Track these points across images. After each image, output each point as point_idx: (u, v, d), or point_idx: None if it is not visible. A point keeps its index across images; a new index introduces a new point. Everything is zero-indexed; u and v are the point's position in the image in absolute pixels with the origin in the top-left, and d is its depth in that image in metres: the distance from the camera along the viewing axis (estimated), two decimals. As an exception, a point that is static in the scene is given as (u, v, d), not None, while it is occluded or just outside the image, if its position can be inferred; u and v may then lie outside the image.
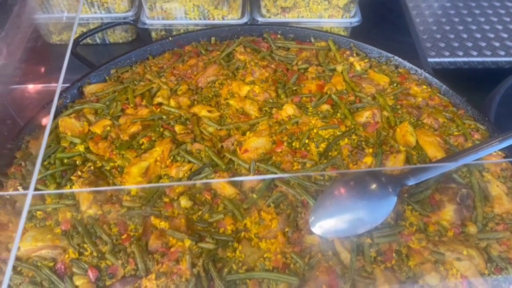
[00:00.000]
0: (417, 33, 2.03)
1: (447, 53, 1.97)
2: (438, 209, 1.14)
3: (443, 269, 1.04)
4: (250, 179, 1.16)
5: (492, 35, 2.07)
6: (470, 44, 2.03)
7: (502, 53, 1.94)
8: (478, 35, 2.07)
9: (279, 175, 1.17)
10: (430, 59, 1.92)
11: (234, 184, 1.18)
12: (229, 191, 1.17)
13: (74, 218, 1.11)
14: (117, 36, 1.80)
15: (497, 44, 2.01)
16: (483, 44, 2.02)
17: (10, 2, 1.62)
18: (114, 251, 1.05)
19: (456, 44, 2.03)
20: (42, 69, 1.65)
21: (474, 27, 2.13)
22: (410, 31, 1.93)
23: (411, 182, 1.12)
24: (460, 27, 2.13)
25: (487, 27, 2.12)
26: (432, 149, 1.26)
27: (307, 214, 1.12)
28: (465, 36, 2.07)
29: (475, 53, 1.98)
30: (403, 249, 1.07)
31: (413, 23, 2.10)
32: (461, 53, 1.98)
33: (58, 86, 1.03)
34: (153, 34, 1.75)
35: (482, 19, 2.21)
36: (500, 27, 2.09)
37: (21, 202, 1.15)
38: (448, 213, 1.13)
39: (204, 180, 1.15)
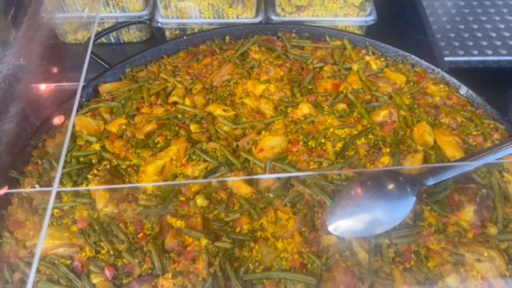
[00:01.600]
0: (433, 31, 2.01)
1: (461, 52, 1.94)
2: (457, 209, 1.13)
3: (463, 271, 1.03)
4: (266, 178, 1.15)
5: (507, 34, 2.03)
6: (485, 43, 1.99)
7: (518, 52, 1.91)
8: (493, 34, 2.04)
9: (296, 173, 1.16)
10: (444, 58, 1.90)
11: (250, 183, 1.18)
12: (245, 190, 1.16)
13: (91, 217, 1.12)
14: (132, 35, 1.81)
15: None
16: (498, 43, 1.99)
17: (26, 2, 1.63)
18: (130, 250, 1.05)
19: (470, 43, 1.99)
20: (57, 68, 1.66)
21: (489, 26, 2.10)
22: (426, 30, 1.90)
23: (430, 182, 1.11)
24: (475, 26, 2.10)
25: (502, 26, 2.09)
26: (451, 149, 1.24)
27: (324, 214, 1.11)
28: (479, 35, 2.04)
29: (490, 52, 1.94)
30: (422, 250, 1.06)
31: (429, 22, 2.07)
32: (476, 52, 1.94)
33: (80, 85, 1.04)
34: (168, 33, 1.76)
35: (497, 18, 2.18)
36: (515, 25, 2.05)
37: (37, 200, 1.16)
38: (468, 213, 1.11)
39: (220, 178, 1.15)
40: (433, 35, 1.98)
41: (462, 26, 2.10)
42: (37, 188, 1.16)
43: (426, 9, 2.20)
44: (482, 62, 1.93)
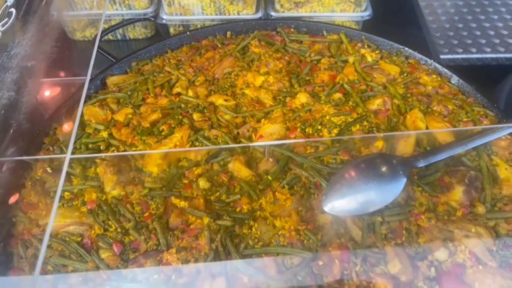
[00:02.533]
0: (427, 26, 2.06)
1: (460, 50, 1.99)
2: (447, 190, 1.18)
3: (451, 246, 1.08)
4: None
5: (505, 32, 2.07)
6: (483, 41, 2.04)
7: (515, 49, 1.96)
8: (492, 33, 2.08)
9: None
10: (443, 56, 1.94)
11: (249, 166, 1.24)
12: (245, 173, 1.22)
13: (99, 199, 1.18)
14: (137, 32, 1.88)
15: (510, 40, 2.02)
16: (497, 41, 2.04)
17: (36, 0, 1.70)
18: (137, 228, 1.11)
19: (469, 41, 2.04)
20: (66, 64, 1.73)
21: (487, 25, 2.15)
22: (421, 25, 1.96)
23: (421, 164, 1.17)
24: (473, 25, 2.14)
25: (500, 25, 2.13)
26: (442, 134, 1.29)
27: (320, 195, 1.17)
28: (478, 33, 2.08)
29: (488, 49, 1.99)
30: (412, 227, 1.11)
31: (423, 17, 2.13)
32: (474, 50, 1.99)
33: (88, 75, 1.12)
34: (171, 30, 1.83)
35: (495, 17, 2.23)
36: (513, 24, 2.10)
37: (49, 183, 1.22)
38: (457, 194, 1.17)
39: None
40: (428, 30, 2.03)
41: (460, 25, 2.15)
42: (49, 171, 1.22)
43: (425, 9, 2.26)
44: (480, 60, 1.97)
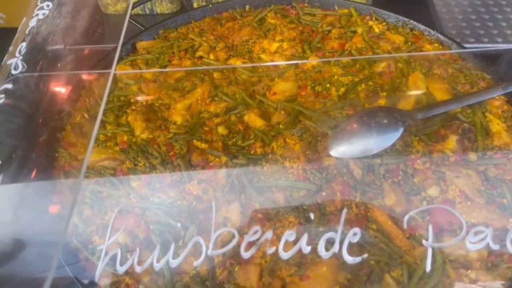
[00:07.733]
0: (439, 18, 2.17)
1: (472, 40, 2.09)
2: (442, 140, 1.30)
3: (443, 185, 1.20)
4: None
5: (517, 24, 2.17)
6: (495, 32, 2.14)
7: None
8: (504, 24, 2.18)
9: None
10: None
11: (263, 118, 1.38)
12: (259, 123, 1.36)
13: (130, 140, 1.33)
14: (164, 7, 2.05)
15: (521, 31, 2.12)
16: (508, 31, 2.14)
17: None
18: (163, 164, 1.26)
19: (481, 32, 2.14)
20: (100, 34, 1.90)
21: (500, 16, 2.25)
22: (433, 17, 2.07)
23: (419, 116, 1.29)
24: (486, 16, 2.25)
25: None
26: (441, 94, 1.41)
27: (326, 142, 1.30)
28: (490, 24, 2.18)
29: (500, 39, 2.09)
30: (409, 169, 1.23)
31: (435, 8, 2.24)
32: (486, 40, 2.09)
33: (121, 37, 1.28)
34: (195, 4, 1.99)
35: (508, 9, 2.33)
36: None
37: (86, 127, 1.39)
38: (451, 143, 1.28)
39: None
40: (440, 22, 2.14)
41: (473, 17, 2.26)
42: (87, 117, 1.39)
43: (438, 1, 2.37)
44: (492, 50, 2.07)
